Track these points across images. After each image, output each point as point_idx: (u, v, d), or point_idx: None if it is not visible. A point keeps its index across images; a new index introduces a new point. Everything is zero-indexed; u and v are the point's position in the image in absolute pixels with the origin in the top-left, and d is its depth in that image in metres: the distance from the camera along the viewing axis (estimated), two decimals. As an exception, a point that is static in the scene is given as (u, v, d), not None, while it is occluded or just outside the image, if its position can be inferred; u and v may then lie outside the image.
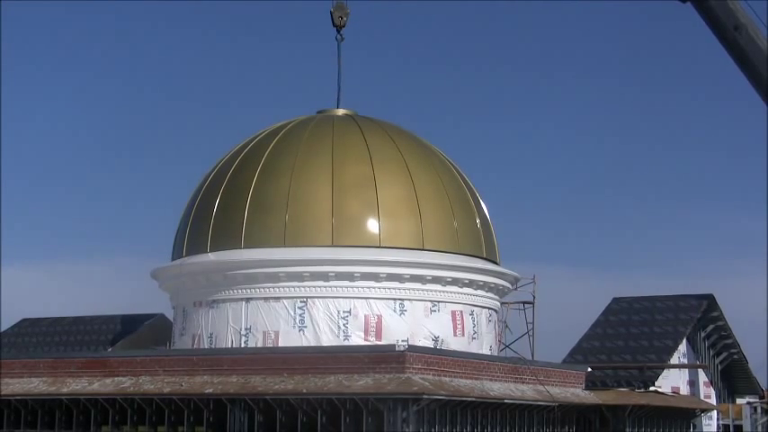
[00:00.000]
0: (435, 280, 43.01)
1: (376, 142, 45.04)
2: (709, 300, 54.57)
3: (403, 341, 40.11)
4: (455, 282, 43.51)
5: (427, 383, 34.85)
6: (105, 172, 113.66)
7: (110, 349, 51.99)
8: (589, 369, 46.07)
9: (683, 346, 52.89)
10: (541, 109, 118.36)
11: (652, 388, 48.68)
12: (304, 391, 35.51)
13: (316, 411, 35.91)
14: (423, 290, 42.84)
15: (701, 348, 55.65)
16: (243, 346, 41.92)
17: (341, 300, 42.02)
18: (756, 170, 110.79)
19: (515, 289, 47.74)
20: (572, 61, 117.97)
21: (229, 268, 42.85)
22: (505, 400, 38.39)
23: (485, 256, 45.52)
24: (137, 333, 53.91)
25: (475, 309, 44.44)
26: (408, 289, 42.62)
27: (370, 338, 41.63)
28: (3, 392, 41.18)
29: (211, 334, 43.33)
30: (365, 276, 42.11)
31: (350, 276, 42.04)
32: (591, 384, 45.91)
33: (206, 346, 42.95)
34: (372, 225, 42.91)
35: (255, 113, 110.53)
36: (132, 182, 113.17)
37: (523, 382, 40.42)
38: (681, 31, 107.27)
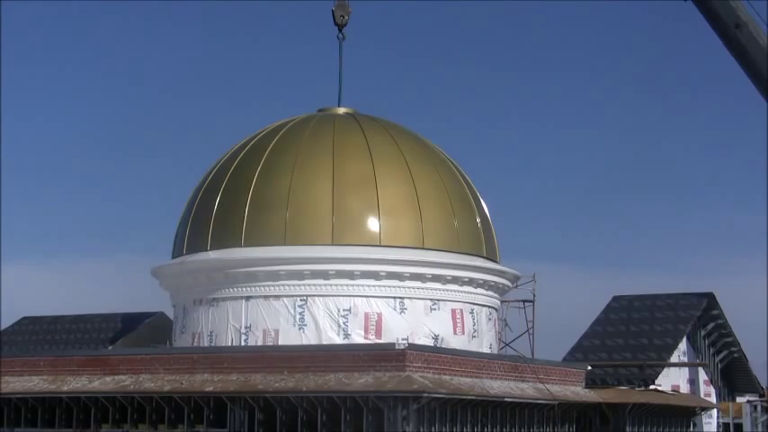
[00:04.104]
0: (435, 278, 43.01)
1: (377, 141, 45.03)
2: (710, 298, 54.58)
3: (403, 339, 40.14)
4: (455, 280, 43.51)
5: (427, 382, 34.85)
6: (106, 170, 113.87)
7: (110, 347, 51.97)
8: (589, 367, 46.09)
9: (683, 345, 52.90)
10: (542, 108, 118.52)
11: (652, 386, 48.69)
12: (304, 389, 35.51)
13: (316, 409, 35.91)
14: (423, 288, 42.85)
15: (702, 347, 55.67)
16: (243, 344, 41.93)
17: (341, 298, 42.03)
18: (756, 168, 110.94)
19: (515, 287, 47.71)
20: (572, 60, 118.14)
21: (230, 266, 42.86)
22: (505, 399, 38.39)
23: (485, 254, 45.52)
24: (137, 331, 53.92)
25: (475, 307, 44.44)
26: (408, 287, 42.63)
27: (370, 337, 41.64)
28: (3, 390, 41.17)
29: (212, 332, 43.34)
30: (365, 275, 42.12)
31: (350, 275, 42.05)
32: (591, 383, 45.94)
33: (206, 345, 42.96)
34: (373, 223, 42.91)
35: (256, 112, 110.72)
36: (133, 180, 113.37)
37: (523, 381, 40.42)
38: (681, 30, 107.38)
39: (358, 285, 42.13)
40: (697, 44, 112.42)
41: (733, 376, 59.33)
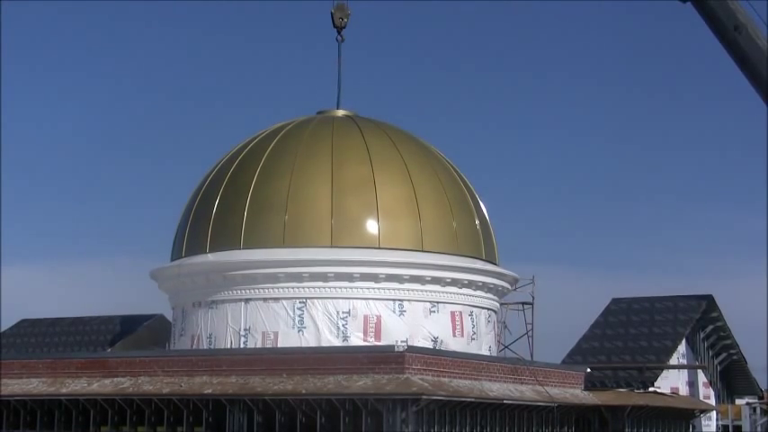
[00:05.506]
0: (434, 281, 43.00)
1: (375, 143, 45.04)
2: (709, 300, 54.51)
3: (402, 342, 40.11)
4: (454, 282, 43.50)
5: (426, 384, 34.84)
6: (105, 172, 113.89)
7: (109, 350, 51.97)
8: (588, 370, 46.07)
9: (682, 347, 52.85)
10: (541, 109, 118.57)
11: (651, 389, 48.65)
12: (303, 391, 35.50)
13: (315, 412, 35.90)
14: (422, 290, 42.85)
15: (701, 349, 55.62)
16: (242, 346, 41.92)
17: (340, 300, 42.03)
18: (756, 170, 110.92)
19: (514, 290, 47.76)
20: (571, 61, 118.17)
21: (229, 269, 42.84)
22: (504, 401, 38.38)
23: (484, 256, 45.52)
24: (136, 333, 53.89)
25: (474, 309, 44.44)
26: (407, 290, 42.62)
27: (369, 339, 41.63)
28: (2, 393, 41.14)
29: (210, 334, 43.32)
30: (364, 277, 42.12)
31: (349, 277, 42.05)
32: (590, 385, 45.90)
33: (205, 347, 42.95)
34: (372, 226, 42.91)
35: (255, 114, 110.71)
36: (132, 182, 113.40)
37: (522, 383, 40.41)
38: (681, 31, 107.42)
39: (357, 288, 42.14)
40: (697, 46, 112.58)
41: (732, 378, 59.29)
